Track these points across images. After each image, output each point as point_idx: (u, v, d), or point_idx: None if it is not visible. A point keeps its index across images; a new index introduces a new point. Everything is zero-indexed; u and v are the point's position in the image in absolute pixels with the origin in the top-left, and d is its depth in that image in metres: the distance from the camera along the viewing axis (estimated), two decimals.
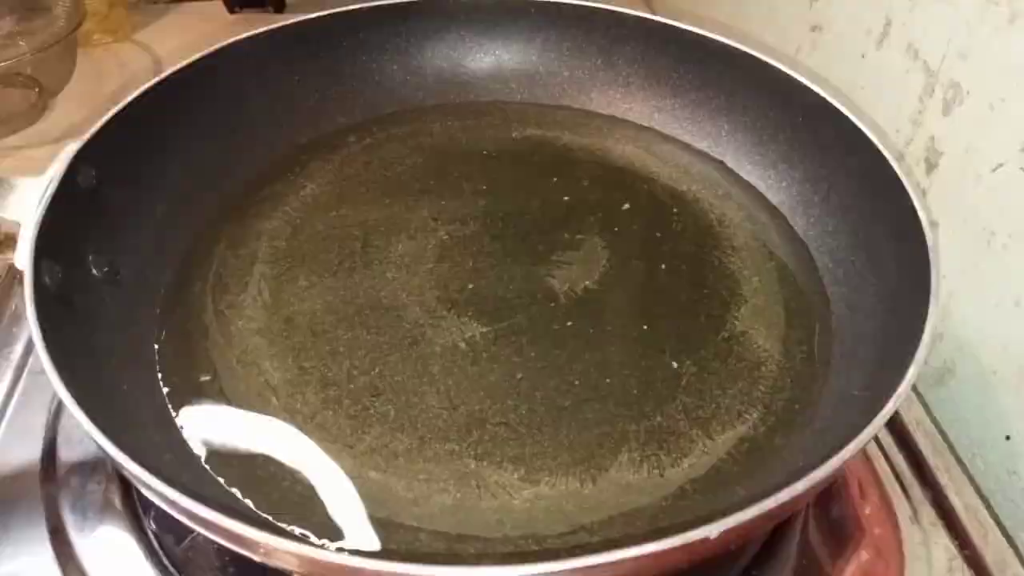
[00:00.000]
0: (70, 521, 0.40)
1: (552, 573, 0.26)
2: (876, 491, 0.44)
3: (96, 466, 0.42)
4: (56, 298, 0.36)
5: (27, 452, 0.43)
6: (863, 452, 0.44)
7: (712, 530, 0.27)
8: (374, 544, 0.34)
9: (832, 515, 0.42)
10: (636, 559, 0.26)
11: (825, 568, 0.40)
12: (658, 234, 0.50)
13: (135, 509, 0.40)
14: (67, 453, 0.43)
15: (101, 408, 0.30)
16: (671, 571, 0.30)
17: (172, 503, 0.28)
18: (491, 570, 0.27)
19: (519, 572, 0.26)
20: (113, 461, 0.30)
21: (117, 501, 0.40)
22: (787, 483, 0.29)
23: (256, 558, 0.29)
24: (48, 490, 0.41)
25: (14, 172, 0.58)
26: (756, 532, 0.38)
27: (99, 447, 0.30)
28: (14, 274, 0.53)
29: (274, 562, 0.29)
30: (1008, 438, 0.48)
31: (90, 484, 0.41)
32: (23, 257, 0.35)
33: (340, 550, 0.33)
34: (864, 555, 0.41)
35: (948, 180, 0.51)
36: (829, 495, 0.43)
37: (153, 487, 0.28)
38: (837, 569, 0.40)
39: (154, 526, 0.39)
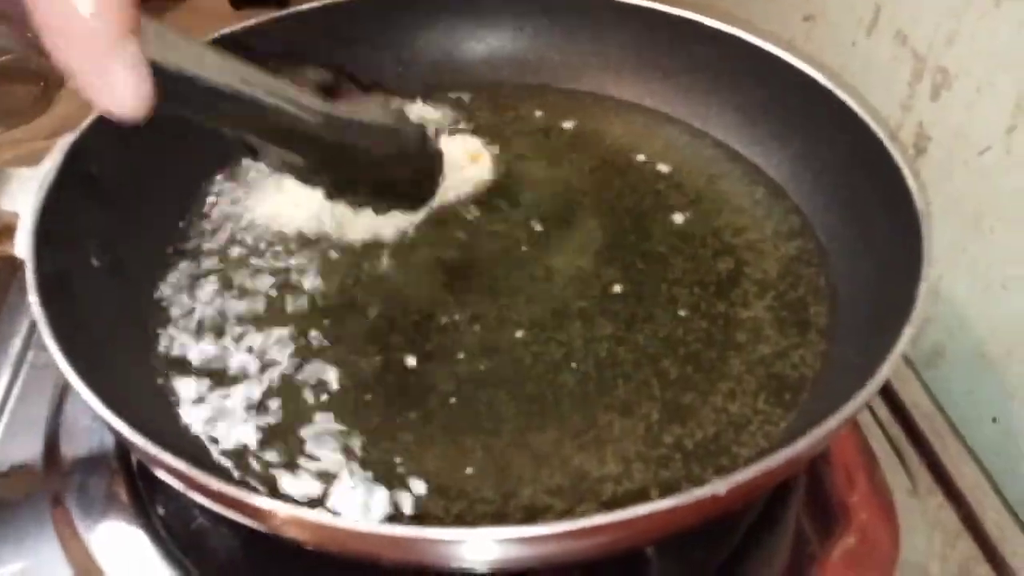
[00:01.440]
0: (76, 515, 0.40)
1: (564, 532, 0.27)
2: (865, 474, 0.44)
3: (98, 459, 0.43)
4: (57, 285, 0.36)
5: (29, 447, 0.43)
6: (861, 432, 0.45)
7: (721, 487, 0.28)
8: (381, 511, 0.35)
9: (821, 501, 0.43)
10: (648, 516, 0.27)
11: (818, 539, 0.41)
12: (654, 211, 0.50)
13: (140, 499, 0.41)
14: (69, 447, 0.43)
15: (105, 390, 0.31)
16: (680, 536, 0.30)
17: (182, 476, 0.29)
18: (503, 530, 0.28)
19: (529, 532, 0.27)
20: (124, 439, 0.30)
21: (122, 493, 0.41)
22: (790, 441, 0.30)
23: (264, 529, 0.30)
24: (52, 485, 0.42)
25: (17, 164, 0.58)
26: (762, 491, 0.39)
27: (110, 427, 0.30)
28: (11, 268, 0.53)
29: (282, 531, 0.30)
30: (995, 420, 0.49)
31: (93, 477, 0.42)
32: (23, 246, 0.36)
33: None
34: (854, 534, 0.41)
35: (937, 165, 0.52)
36: (820, 483, 0.44)
37: (162, 460, 0.29)
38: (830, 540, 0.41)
39: (162, 512, 0.40)
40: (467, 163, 0.50)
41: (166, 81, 0.28)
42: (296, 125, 0.37)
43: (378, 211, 0.46)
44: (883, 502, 0.43)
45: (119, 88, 0.25)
